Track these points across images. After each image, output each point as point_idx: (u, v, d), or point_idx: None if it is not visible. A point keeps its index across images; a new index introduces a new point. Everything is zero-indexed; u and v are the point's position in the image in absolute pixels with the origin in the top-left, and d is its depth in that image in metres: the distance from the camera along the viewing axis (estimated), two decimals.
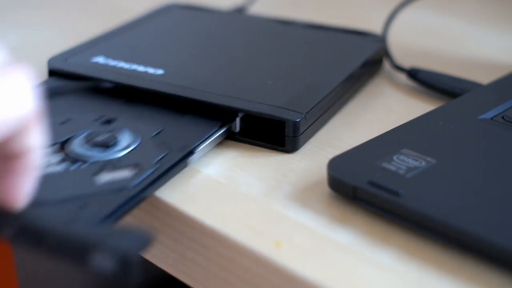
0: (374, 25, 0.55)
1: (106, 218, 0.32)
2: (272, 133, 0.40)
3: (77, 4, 0.65)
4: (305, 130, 0.40)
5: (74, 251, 0.30)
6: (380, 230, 0.34)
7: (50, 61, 0.45)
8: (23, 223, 0.31)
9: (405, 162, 0.36)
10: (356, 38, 0.51)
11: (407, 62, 0.51)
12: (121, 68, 0.45)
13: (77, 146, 0.38)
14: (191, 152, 0.38)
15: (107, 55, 0.46)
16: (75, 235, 0.30)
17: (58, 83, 0.44)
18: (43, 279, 0.65)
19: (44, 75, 0.46)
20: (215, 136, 0.40)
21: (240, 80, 0.44)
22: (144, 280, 0.70)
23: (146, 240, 0.30)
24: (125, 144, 0.38)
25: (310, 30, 0.52)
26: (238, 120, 0.40)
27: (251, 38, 0.52)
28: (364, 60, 0.48)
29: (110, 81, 0.43)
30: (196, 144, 0.38)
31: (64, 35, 0.56)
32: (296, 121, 0.39)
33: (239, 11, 0.59)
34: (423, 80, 0.48)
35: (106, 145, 0.37)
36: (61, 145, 0.38)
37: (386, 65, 0.51)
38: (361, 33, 0.52)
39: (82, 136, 0.38)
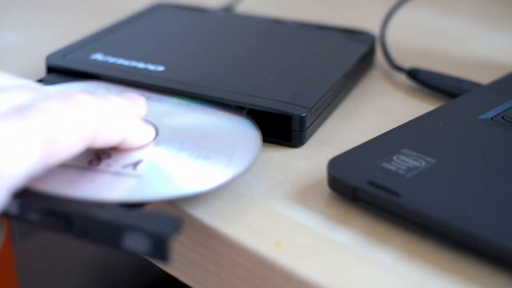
0: (372, 25, 0.55)
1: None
2: (275, 129, 0.41)
3: (77, 4, 0.65)
4: (310, 125, 0.41)
5: (106, 233, 0.30)
6: (380, 230, 0.34)
7: (48, 58, 0.45)
8: (51, 206, 0.31)
9: (405, 162, 0.36)
10: (348, 35, 0.51)
11: (407, 62, 0.51)
12: (121, 65, 0.45)
13: None
14: None
15: (106, 52, 0.46)
16: (106, 217, 0.30)
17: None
18: (43, 279, 0.65)
19: (43, 72, 0.46)
20: None
21: (241, 77, 0.44)
22: (144, 280, 0.70)
23: (176, 223, 0.30)
24: None
25: (302, 28, 0.53)
26: (243, 116, 0.41)
27: (245, 36, 0.52)
28: (360, 55, 0.48)
29: (112, 77, 0.44)
30: None
31: (64, 35, 0.56)
32: (303, 116, 0.40)
33: (226, 10, 0.59)
34: (423, 80, 0.48)
35: None
36: None
37: (386, 65, 0.51)
38: (352, 31, 0.52)
39: None
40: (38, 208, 0.31)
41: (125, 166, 0.35)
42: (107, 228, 0.30)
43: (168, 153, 0.37)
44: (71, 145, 0.31)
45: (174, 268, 0.37)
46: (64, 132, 0.31)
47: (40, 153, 0.30)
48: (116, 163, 0.35)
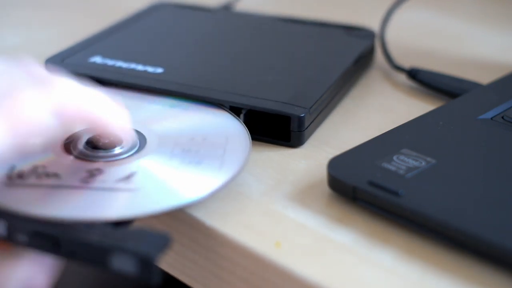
0: (372, 25, 0.55)
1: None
2: (274, 129, 0.41)
3: (77, 4, 0.65)
4: (309, 125, 0.41)
5: (93, 254, 0.30)
6: (380, 230, 0.34)
7: (47, 62, 0.45)
8: (37, 228, 0.31)
9: (405, 162, 0.36)
10: (347, 32, 0.52)
11: (407, 62, 0.51)
12: (120, 68, 0.45)
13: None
14: None
15: (104, 55, 0.46)
16: (93, 238, 0.30)
17: None
18: None
19: None
20: None
21: (240, 77, 0.44)
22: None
23: (165, 241, 0.30)
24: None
25: (300, 25, 0.53)
26: (242, 117, 0.41)
27: (244, 35, 0.52)
28: (359, 53, 0.48)
29: (110, 80, 0.43)
30: None
31: (64, 35, 0.56)
32: (301, 116, 0.40)
33: (226, 8, 0.59)
34: (423, 80, 0.48)
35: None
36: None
37: (386, 65, 0.51)
38: (351, 27, 0.52)
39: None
40: (26, 230, 0.31)
41: (118, 181, 0.35)
42: (94, 250, 0.30)
43: (159, 162, 0.37)
44: (39, 121, 0.31)
45: (174, 268, 0.37)
46: (31, 110, 0.31)
47: (7, 133, 0.30)
48: (109, 178, 0.35)
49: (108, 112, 0.35)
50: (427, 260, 0.32)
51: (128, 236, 0.30)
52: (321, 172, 0.38)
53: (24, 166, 0.35)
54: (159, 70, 0.44)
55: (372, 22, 0.55)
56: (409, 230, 0.34)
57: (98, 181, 0.35)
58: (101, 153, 0.37)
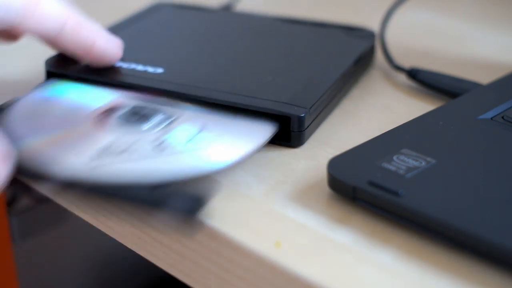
0: (372, 25, 0.55)
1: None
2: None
3: (77, 4, 0.65)
4: (309, 125, 0.41)
5: (150, 199, 0.33)
6: (380, 230, 0.34)
7: (47, 62, 0.45)
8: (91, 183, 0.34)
9: (405, 162, 0.36)
10: (347, 32, 0.52)
11: (407, 62, 0.51)
12: (120, 68, 0.45)
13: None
14: None
15: None
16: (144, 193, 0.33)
17: None
18: (43, 279, 0.65)
19: (43, 72, 0.46)
20: None
21: (240, 77, 0.44)
22: (144, 280, 0.70)
23: (206, 196, 0.33)
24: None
25: (300, 25, 0.53)
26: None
27: (244, 35, 0.52)
28: (359, 54, 0.48)
29: (110, 81, 0.43)
30: None
31: None
32: (301, 116, 0.40)
33: (227, 8, 0.59)
34: (423, 80, 0.48)
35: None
36: None
37: (386, 65, 0.51)
38: (351, 28, 0.52)
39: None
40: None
41: (187, 143, 0.38)
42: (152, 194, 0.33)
43: (188, 132, 0.39)
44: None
45: (174, 268, 0.37)
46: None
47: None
48: (176, 142, 0.38)
49: (105, 39, 0.44)
50: (427, 260, 0.32)
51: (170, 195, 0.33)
52: (321, 172, 0.38)
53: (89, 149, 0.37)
54: (159, 70, 0.44)
55: (372, 22, 0.55)
56: (409, 230, 0.34)
57: (170, 147, 0.37)
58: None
